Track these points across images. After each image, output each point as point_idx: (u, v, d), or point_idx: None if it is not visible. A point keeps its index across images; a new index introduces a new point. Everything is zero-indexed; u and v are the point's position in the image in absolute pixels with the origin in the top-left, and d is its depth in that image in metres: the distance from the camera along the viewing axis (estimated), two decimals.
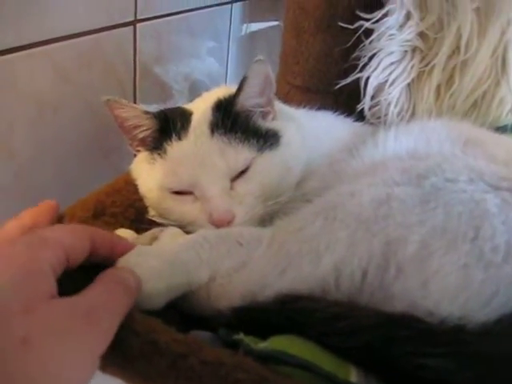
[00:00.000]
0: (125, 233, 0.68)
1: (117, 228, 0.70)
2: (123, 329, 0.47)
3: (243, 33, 1.51)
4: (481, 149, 0.67)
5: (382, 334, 0.47)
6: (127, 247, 0.57)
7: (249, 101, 0.73)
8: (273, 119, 0.77)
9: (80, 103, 0.87)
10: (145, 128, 0.74)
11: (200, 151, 0.71)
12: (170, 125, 0.73)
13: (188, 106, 0.80)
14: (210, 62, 1.35)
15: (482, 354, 0.46)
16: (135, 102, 1.03)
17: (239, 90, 0.72)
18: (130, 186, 0.78)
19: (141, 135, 0.75)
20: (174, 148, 0.72)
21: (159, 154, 0.73)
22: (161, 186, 0.72)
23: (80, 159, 0.91)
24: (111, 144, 0.97)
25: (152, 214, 0.77)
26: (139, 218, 0.75)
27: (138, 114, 0.73)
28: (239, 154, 0.71)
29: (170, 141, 0.72)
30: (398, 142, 0.72)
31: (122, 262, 0.55)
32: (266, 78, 0.73)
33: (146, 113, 0.73)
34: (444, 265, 0.50)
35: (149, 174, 0.75)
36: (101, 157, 0.97)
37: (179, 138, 0.72)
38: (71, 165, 0.89)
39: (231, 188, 0.71)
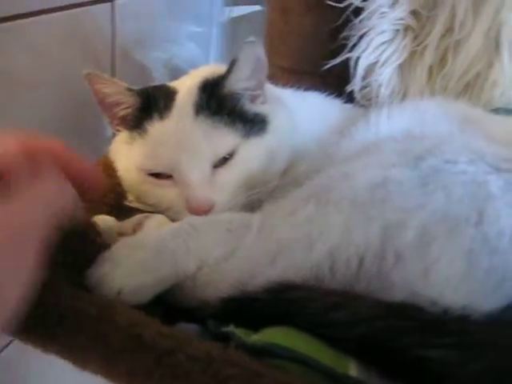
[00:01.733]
0: (105, 220, 0.64)
1: (95, 214, 0.65)
2: (103, 322, 0.43)
3: (226, 18, 1.46)
4: (479, 128, 0.64)
5: (383, 324, 0.45)
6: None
7: (238, 84, 0.70)
8: (262, 103, 0.74)
9: (56, 83, 0.82)
10: (126, 106, 0.71)
11: (182, 133, 0.67)
12: (152, 103, 0.69)
13: (173, 84, 0.76)
14: (192, 48, 1.29)
15: (487, 344, 0.44)
16: None
17: (228, 72, 0.69)
18: (110, 169, 0.73)
19: (122, 113, 0.72)
20: (155, 128, 0.69)
21: (139, 134, 0.70)
22: (139, 167, 0.69)
23: None
24: (89, 127, 0.91)
25: (130, 199, 0.73)
26: (119, 203, 0.71)
27: (121, 91, 0.69)
28: (223, 138, 0.67)
29: (152, 120, 0.69)
30: (391, 122, 0.69)
31: (107, 254, 0.53)
32: (257, 61, 0.70)
33: (129, 90, 0.70)
34: (447, 251, 0.48)
35: (127, 155, 0.71)
36: (78, 140, 0.91)
37: (161, 118, 0.69)
38: None
39: (213, 175, 0.67)
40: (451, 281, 0.47)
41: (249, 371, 0.40)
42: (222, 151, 0.67)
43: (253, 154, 0.69)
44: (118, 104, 0.70)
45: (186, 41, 1.27)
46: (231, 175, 0.68)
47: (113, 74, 0.98)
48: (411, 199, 0.51)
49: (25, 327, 0.46)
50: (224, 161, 0.68)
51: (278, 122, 0.72)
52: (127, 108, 0.71)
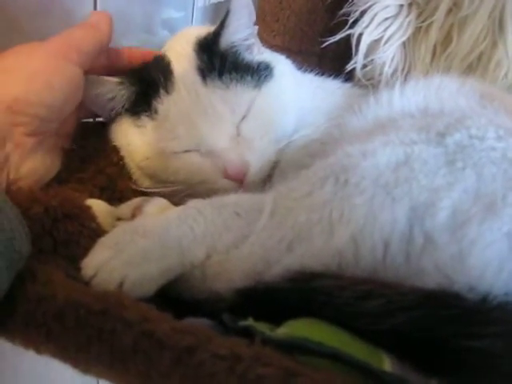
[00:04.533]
0: (95, 204, 0.58)
1: (85, 197, 0.59)
2: (109, 318, 0.38)
3: (207, 2, 1.41)
4: (499, 104, 0.60)
5: (421, 313, 0.41)
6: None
7: (235, 35, 0.67)
8: (259, 52, 0.72)
9: None
10: (123, 97, 0.66)
11: (197, 103, 0.64)
12: (151, 83, 0.65)
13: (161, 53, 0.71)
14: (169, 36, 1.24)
15: None
16: None
17: (223, 25, 0.66)
18: (100, 150, 0.68)
19: (119, 105, 0.67)
20: (165, 105, 0.64)
21: (149, 116, 0.65)
22: (160, 151, 0.65)
23: None
24: None
25: (146, 184, 0.68)
26: (111, 186, 0.65)
27: (112, 88, 0.65)
28: (240, 96, 0.65)
29: (159, 97, 0.65)
30: (404, 99, 0.65)
31: (105, 241, 0.49)
32: (249, 8, 0.68)
33: (120, 83, 0.65)
34: (483, 233, 0.44)
35: (141, 141, 0.66)
36: None
37: (167, 92, 0.65)
38: None
39: (237, 134, 0.65)
40: (490, 264, 0.43)
41: (282, 370, 0.34)
42: (242, 110, 0.65)
43: (268, 101, 0.67)
44: (113, 100, 0.67)
45: (163, 27, 1.22)
46: (254, 129, 0.66)
47: None
48: (439, 178, 0.47)
49: (13, 324, 0.41)
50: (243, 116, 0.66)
51: (281, 67, 0.72)
52: (124, 99, 0.67)
